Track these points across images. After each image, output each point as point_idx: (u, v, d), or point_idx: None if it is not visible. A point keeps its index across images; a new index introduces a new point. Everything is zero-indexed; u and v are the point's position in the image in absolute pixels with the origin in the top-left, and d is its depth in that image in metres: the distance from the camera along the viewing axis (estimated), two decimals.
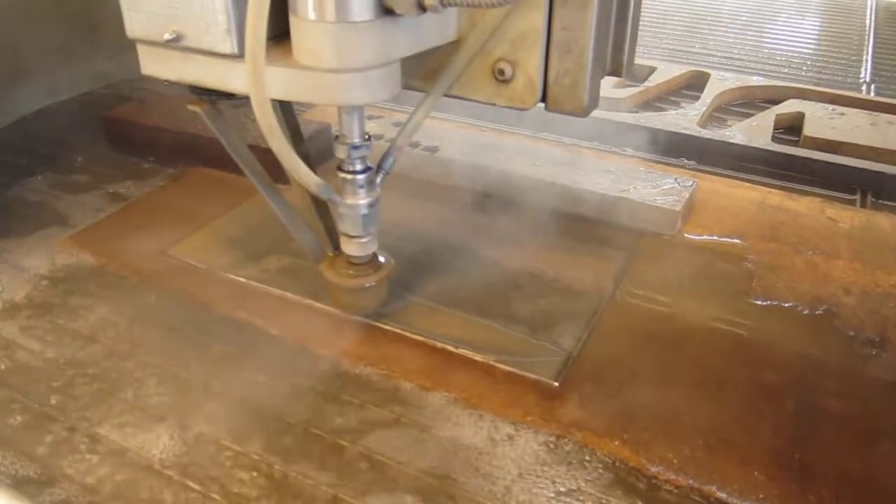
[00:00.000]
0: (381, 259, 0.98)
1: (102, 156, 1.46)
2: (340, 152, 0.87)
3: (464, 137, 1.42)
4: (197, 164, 1.39)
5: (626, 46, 0.91)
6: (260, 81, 0.70)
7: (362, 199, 0.89)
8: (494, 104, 0.88)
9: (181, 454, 0.79)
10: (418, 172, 1.35)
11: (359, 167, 0.88)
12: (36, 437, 0.81)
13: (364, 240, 0.92)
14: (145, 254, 1.13)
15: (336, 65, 0.73)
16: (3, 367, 0.91)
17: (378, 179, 0.90)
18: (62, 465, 0.78)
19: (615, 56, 0.91)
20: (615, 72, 0.92)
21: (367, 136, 0.87)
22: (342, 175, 0.88)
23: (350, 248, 0.93)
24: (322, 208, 0.98)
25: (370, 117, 1.51)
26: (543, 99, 0.87)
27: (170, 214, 1.24)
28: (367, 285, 0.97)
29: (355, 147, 0.86)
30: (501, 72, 0.85)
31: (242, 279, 1.07)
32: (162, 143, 1.42)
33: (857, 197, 1.38)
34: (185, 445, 0.80)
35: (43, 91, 1.68)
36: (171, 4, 0.76)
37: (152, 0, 0.77)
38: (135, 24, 0.80)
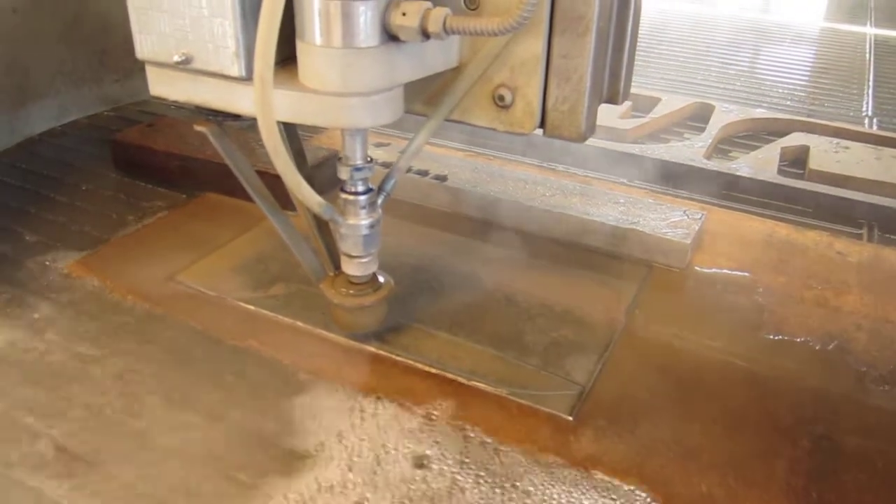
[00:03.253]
0: (381, 279, 0.99)
1: (110, 179, 1.46)
2: (343, 174, 0.88)
3: (473, 166, 1.42)
4: (205, 189, 1.39)
5: (623, 74, 0.93)
6: (267, 104, 0.72)
7: (363, 220, 0.90)
8: (494, 129, 0.90)
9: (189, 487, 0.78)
10: (428, 201, 1.35)
11: (360, 188, 0.89)
12: None
13: (364, 260, 0.94)
14: (153, 280, 1.12)
15: (341, 88, 0.75)
16: None
17: (379, 201, 0.92)
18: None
19: (612, 84, 0.93)
20: (612, 99, 0.95)
21: (369, 159, 0.89)
22: (344, 196, 0.89)
23: (351, 267, 0.95)
24: (324, 228, 0.99)
25: (378, 145, 1.51)
26: (542, 124, 0.89)
27: (178, 240, 1.24)
28: (367, 304, 0.97)
29: (358, 169, 0.88)
30: (501, 97, 0.87)
31: (252, 307, 1.06)
32: (170, 168, 1.42)
33: (864, 231, 1.39)
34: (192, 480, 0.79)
35: (50, 113, 1.68)
36: (180, 27, 0.78)
37: (163, 22, 0.79)
38: (145, 45, 0.82)
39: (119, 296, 1.09)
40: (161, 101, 0.88)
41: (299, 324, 1.03)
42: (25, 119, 1.63)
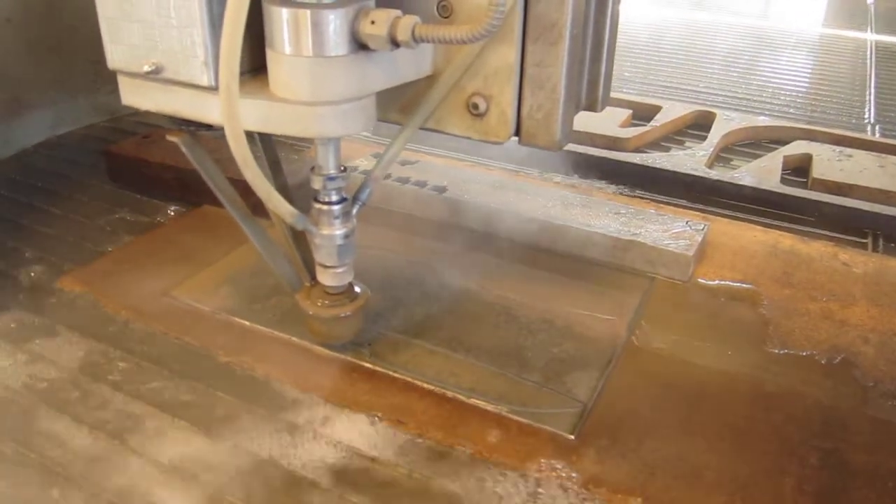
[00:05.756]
0: (357, 289, 0.97)
1: (104, 191, 1.44)
2: (316, 183, 0.87)
3: (472, 177, 1.40)
4: (200, 202, 1.37)
5: (602, 82, 0.92)
6: (234, 113, 0.71)
7: (338, 230, 0.89)
8: (469, 137, 0.89)
9: None
10: (426, 212, 1.33)
11: (334, 198, 0.88)
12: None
13: (339, 270, 0.92)
14: (147, 294, 1.10)
15: (311, 98, 0.74)
16: None
17: (354, 210, 0.91)
18: None
19: (590, 91, 0.92)
20: (591, 107, 0.94)
21: (342, 168, 0.87)
22: (318, 206, 0.88)
23: (326, 278, 0.93)
24: (299, 238, 0.97)
25: (375, 155, 1.49)
26: (517, 133, 0.88)
27: (172, 254, 1.22)
28: (343, 315, 0.96)
29: (331, 178, 0.86)
30: (476, 106, 0.86)
31: (246, 322, 1.04)
32: (165, 180, 1.40)
33: (869, 240, 1.37)
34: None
35: (44, 124, 1.67)
36: (150, 37, 0.77)
37: (133, 32, 0.78)
38: (115, 55, 0.81)
39: (112, 310, 1.07)
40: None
41: (294, 339, 1.01)
42: (20, 130, 1.61)
